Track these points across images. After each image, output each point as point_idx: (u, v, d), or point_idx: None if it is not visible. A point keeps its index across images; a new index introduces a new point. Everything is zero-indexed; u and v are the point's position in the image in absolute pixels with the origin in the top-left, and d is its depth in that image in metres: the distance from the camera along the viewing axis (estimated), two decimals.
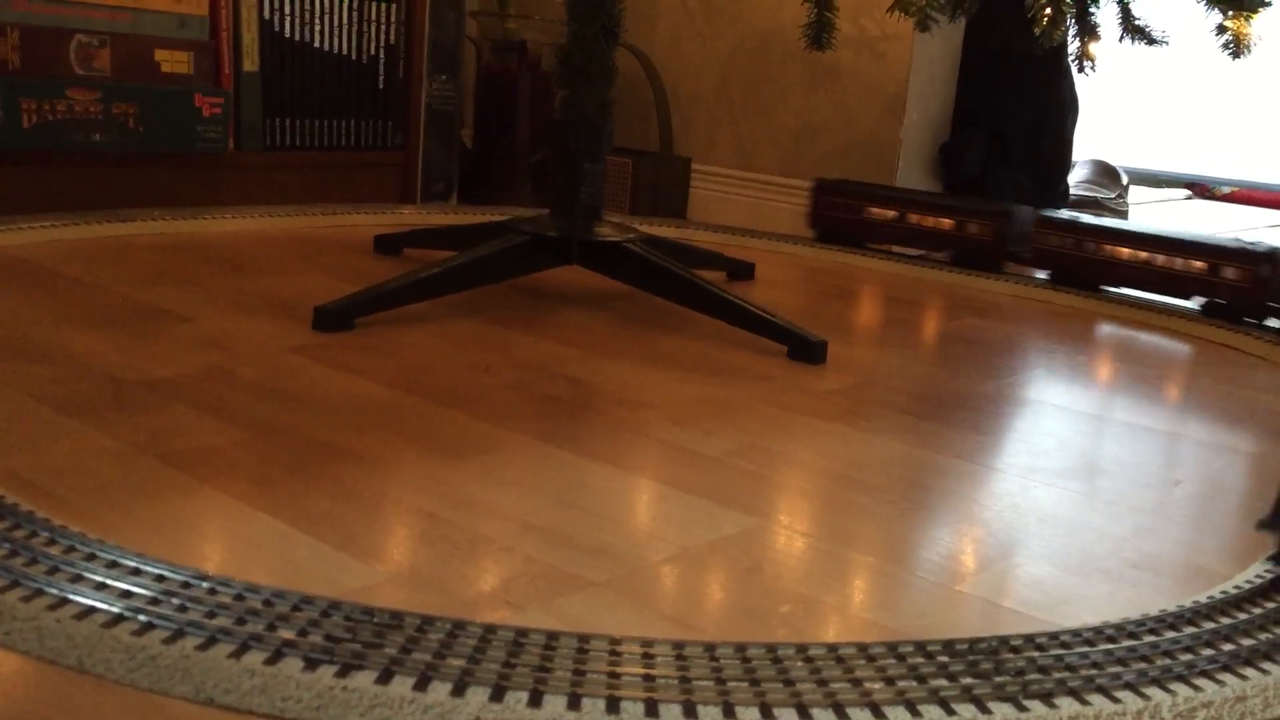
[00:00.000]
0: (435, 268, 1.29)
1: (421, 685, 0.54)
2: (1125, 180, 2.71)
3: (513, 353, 1.18)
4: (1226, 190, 3.71)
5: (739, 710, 0.54)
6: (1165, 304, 1.68)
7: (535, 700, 0.54)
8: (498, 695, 0.54)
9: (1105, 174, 2.67)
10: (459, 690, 0.54)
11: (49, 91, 1.59)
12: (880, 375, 1.22)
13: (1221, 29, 1.13)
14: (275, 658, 0.55)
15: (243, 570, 0.66)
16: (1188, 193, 3.75)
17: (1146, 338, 1.53)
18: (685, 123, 2.23)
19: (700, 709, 0.54)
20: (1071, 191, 2.46)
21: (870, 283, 1.75)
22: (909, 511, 0.85)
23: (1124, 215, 2.60)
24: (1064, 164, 2.26)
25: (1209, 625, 0.67)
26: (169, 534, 0.70)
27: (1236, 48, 1.10)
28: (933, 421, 1.07)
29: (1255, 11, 1.10)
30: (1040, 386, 1.23)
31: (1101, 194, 2.58)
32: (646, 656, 0.59)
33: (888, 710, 0.55)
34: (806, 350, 1.24)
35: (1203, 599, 0.71)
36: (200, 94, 1.74)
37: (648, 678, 0.56)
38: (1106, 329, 1.56)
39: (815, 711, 0.55)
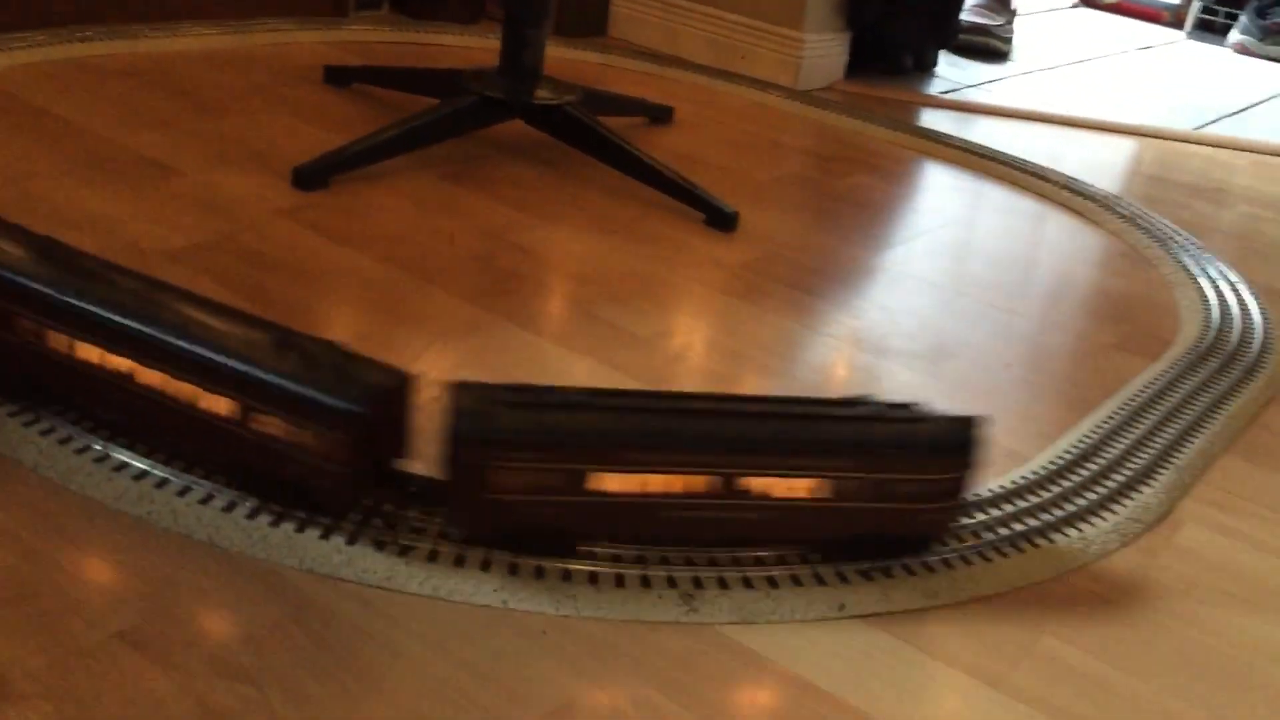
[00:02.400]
0: (397, 128, 1.45)
1: (459, 563, 0.77)
2: (1014, 5, 2.89)
3: (471, 217, 1.37)
4: (1110, 1, 3.90)
5: (653, 580, 0.79)
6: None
7: (539, 574, 0.78)
8: (513, 570, 0.78)
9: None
10: (485, 567, 0.78)
11: None
12: (782, 247, 1.44)
13: None
14: (353, 540, 0.78)
15: None
16: (1076, 1, 3.93)
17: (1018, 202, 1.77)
18: None
19: (627, 579, 0.79)
20: (963, 18, 2.64)
21: (779, 128, 1.94)
22: (796, 394, 1.09)
23: (1009, 43, 2.80)
24: (958, 5, 2.43)
25: (1007, 507, 0.94)
26: None
27: None
28: (822, 300, 1.31)
29: None
30: (919, 260, 1.47)
31: (990, 20, 2.76)
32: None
33: (780, 581, 0.81)
34: (721, 220, 1.45)
35: (1007, 482, 0.98)
36: None
37: (591, 555, 0.80)
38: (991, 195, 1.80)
39: (707, 583, 0.80)
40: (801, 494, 0.79)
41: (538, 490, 0.76)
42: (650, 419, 0.77)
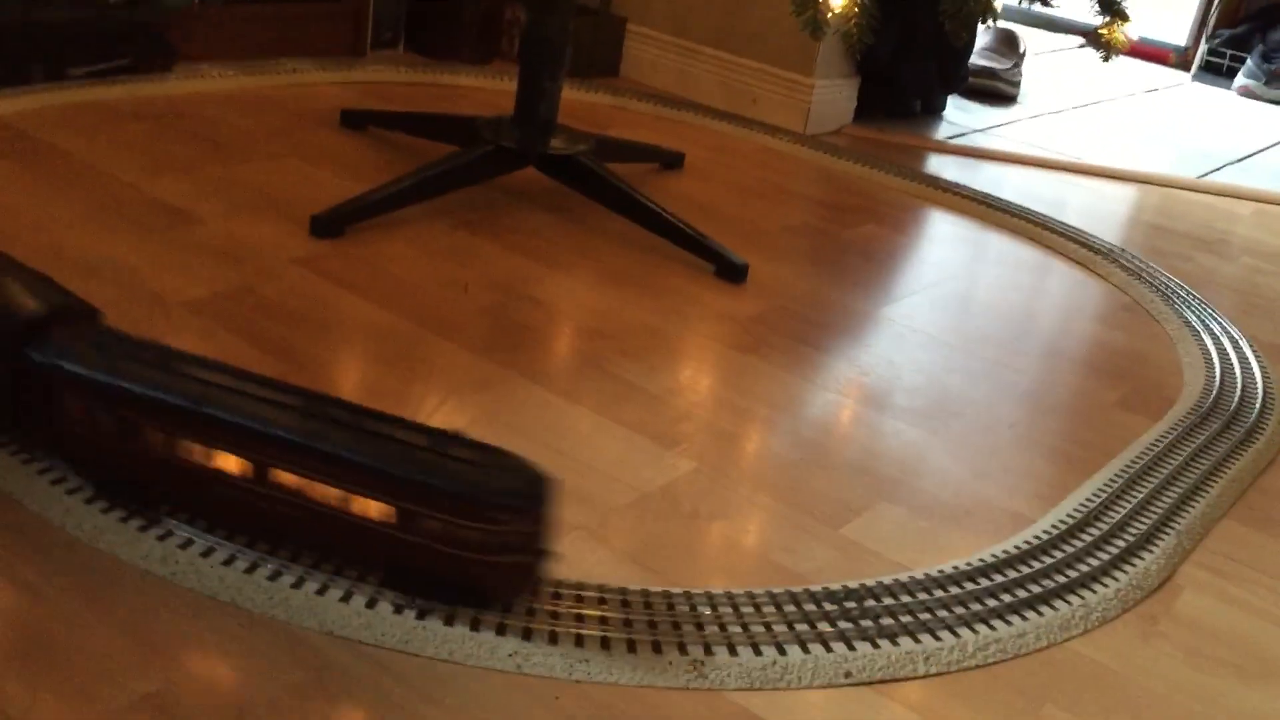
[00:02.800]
0: (413, 178, 1.47)
1: (475, 627, 0.79)
2: (1023, 49, 2.92)
3: (483, 267, 1.39)
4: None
5: (664, 647, 0.81)
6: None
7: (553, 639, 0.80)
8: (526, 636, 0.79)
9: (1005, 43, 2.87)
10: (500, 631, 0.79)
11: None
12: (790, 299, 1.46)
13: None
14: (372, 603, 0.80)
15: None
16: (1082, 40, 3.96)
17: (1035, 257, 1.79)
18: None
19: (638, 645, 0.81)
20: (971, 61, 2.67)
21: (789, 174, 1.97)
22: (808, 456, 1.11)
23: (1016, 86, 2.83)
24: (967, 51, 2.46)
25: (1010, 573, 0.95)
26: None
27: None
28: (828, 354, 1.33)
29: None
30: (924, 314, 1.49)
31: (998, 65, 2.79)
32: (602, 601, 0.84)
33: (788, 648, 0.82)
34: (731, 271, 1.47)
35: (1010, 547, 1.00)
36: None
37: (604, 620, 0.82)
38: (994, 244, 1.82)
39: (717, 649, 0.82)
40: (333, 503, 0.79)
41: (97, 431, 0.80)
42: (201, 389, 0.80)
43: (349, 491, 0.78)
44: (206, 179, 1.49)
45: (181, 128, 1.66)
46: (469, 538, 0.77)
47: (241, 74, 1.90)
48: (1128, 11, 1.32)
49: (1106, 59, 1.33)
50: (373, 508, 0.78)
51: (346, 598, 0.80)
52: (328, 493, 0.78)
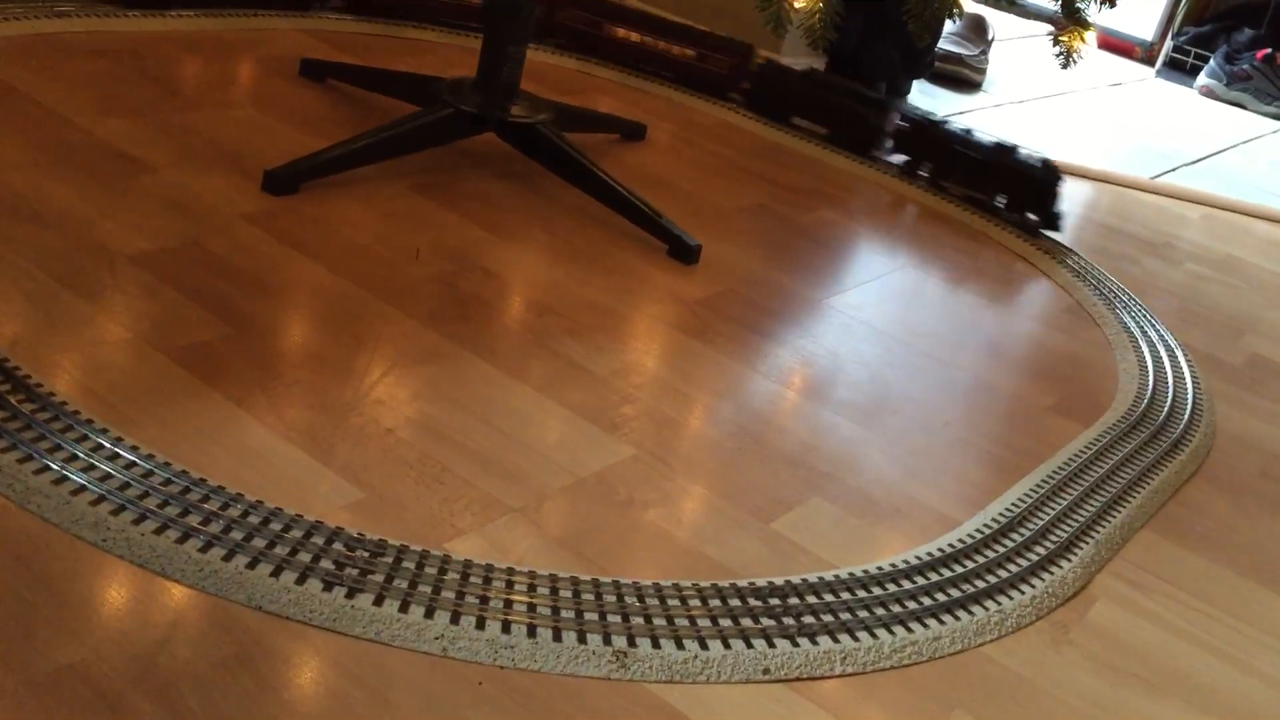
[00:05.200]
0: (370, 137, 1.46)
1: (404, 608, 0.80)
2: (992, 35, 2.93)
3: (437, 233, 1.39)
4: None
5: (589, 637, 0.83)
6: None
7: (480, 624, 0.81)
8: (455, 619, 0.81)
9: (974, 28, 2.88)
10: (429, 614, 0.81)
11: None
12: (740, 283, 1.47)
13: None
14: (302, 579, 0.80)
15: (252, 484, 0.90)
16: (1051, 28, 3.98)
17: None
18: None
19: (564, 633, 0.82)
20: (939, 46, 2.68)
21: (748, 153, 1.97)
22: (746, 446, 1.12)
23: (983, 73, 2.84)
24: (935, 37, 2.47)
25: (932, 576, 0.98)
26: (194, 442, 0.92)
27: None
28: (774, 343, 1.34)
29: None
30: (872, 305, 1.51)
31: (965, 51, 2.80)
32: (532, 588, 0.86)
33: (710, 643, 0.84)
34: (683, 252, 1.48)
35: (935, 549, 1.02)
36: None
37: (532, 607, 0.84)
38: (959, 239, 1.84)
39: (640, 641, 0.83)
40: None
41: None
42: None
43: None
44: (158, 124, 1.47)
45: (135, 68, 1.63)
46: None
47: (198, 15, 1.87)
48: (1089, 20, 1.34)
49: (1065, 66, 1.35)
50: None
51: (276, 573, 0.80)
52: None
